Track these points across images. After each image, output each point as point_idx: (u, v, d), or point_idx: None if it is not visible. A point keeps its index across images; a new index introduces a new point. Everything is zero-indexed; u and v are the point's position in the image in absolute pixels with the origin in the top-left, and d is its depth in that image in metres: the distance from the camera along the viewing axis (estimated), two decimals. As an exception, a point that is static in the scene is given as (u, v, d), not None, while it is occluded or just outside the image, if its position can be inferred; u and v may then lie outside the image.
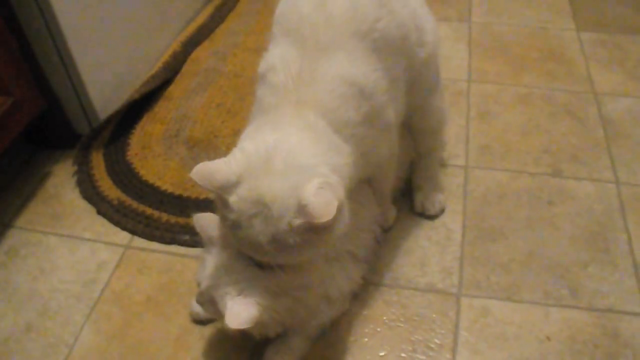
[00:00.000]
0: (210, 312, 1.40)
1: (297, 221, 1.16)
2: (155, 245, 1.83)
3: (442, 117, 1.83)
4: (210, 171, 1.20)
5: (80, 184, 2.02)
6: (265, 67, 1.38)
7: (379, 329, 1.61)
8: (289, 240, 1.18)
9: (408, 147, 1.83)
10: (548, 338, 1.58)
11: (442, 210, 1.91)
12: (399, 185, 1.89)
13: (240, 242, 1.25)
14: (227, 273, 1.32)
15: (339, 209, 1.17)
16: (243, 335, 1.44)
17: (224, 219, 1.25)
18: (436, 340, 1.58)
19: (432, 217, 1.90)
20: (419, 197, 1.90)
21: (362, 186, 1.61)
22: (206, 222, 1.40)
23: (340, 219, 1.23)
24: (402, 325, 1.61)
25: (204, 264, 1.37)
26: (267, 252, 1.22)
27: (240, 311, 1.27)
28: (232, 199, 1.19)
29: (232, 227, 1.23)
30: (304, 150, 1.24)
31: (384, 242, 1.78)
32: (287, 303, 1.36)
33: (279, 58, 1.35)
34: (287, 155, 1.21)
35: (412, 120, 1.72)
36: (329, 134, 1.30)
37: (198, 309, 1.61)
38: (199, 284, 1.36)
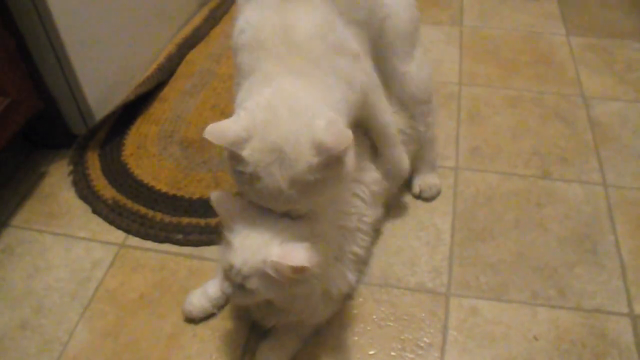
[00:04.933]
0: (242, 296, 1.34)
1: (315, 159, 1.20)
2: (149, 244, 1.84)
3: (425, 86, 1.79)
4: (222, 129, 1.22)
5: (75, 183, 2.03)
6: (236, 35, 1.43)
7: (368, 328, 1.62)
8: (309, 178, 1.21)
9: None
10: (536, 338, 1.60)
11: (439, 193, 1.97)
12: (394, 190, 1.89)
13: (260, 195, 1.27)
14: (259, 238, 1.29)
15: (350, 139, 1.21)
16: (236, 332, 1.46)
17: (240, 176, 1.26)
18: (425, 339, 1.59)
19: (428, 200, 1.95)
20: (417, 181, 1.95)
21: (369, 188, 1.64)
22: (225, 199, 1.37)
23: (351, 151, 1.28)
24: (391, 324, 1.63)
25: (229, 245, 1.32)
26: (288, 197, 1.24)
27: (296, 252, 1.25)
28: (246, 152, 1.22)
29: (250, 181, 1.25)
30: (300, 93, 1.28)
31: (375, 241, 1.79)
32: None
33: (244, 22, 1.41)
34: (288, 101, 1.25)
35: (393, 91, 1.73)
36: (315, 73, 1.34)
37: (190, 307, 1.63)
38: (230, 267, 1.30)
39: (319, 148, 1.19)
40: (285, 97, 1.26)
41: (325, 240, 1.40)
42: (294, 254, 1.25)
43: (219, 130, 1.22)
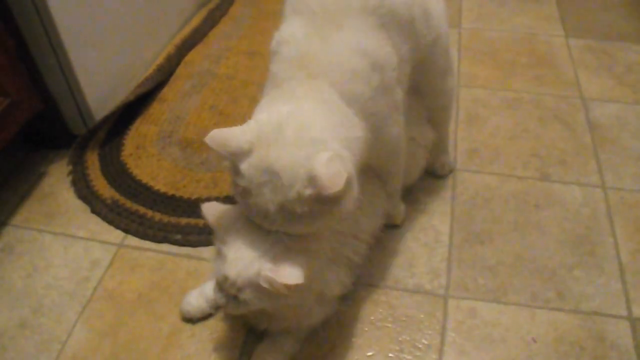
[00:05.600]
0: (236, 307, 1.34)
1: (307, 191, 1.17)
2: (147, 244, 1.85)
3: (452, 95, 1.89)
4: (225, 137, 1.21)
5: (75, 183, 2.03)
6: (277, 43, 1.40)
7: (366, 329, 1.62)
8: (297, 209, 1.19)
9: (421, 157, 1.87)
10: (534, 340, 1.60)
11: (451, 171, 2.04)
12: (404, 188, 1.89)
13: (250, 210, 1.26)
14: (253, 250, 1.29)
15: (348, 182, 1.18)
16: (233, 333, 1.46)
17: (235, 185, 1.26)
18: (423, 341, 1.60)
19: (441, 177, 2.01)
20: (430, 160, 1.96)
21: (367, 198, 1.63)
22: (216, 210, 1.37)
23: (349, 193, 1.24)
24: (390, 325, 1.63)
25: (222, 256, 1.32)
26: (275, 220, 1.24)
27: (289, 269, 1.25)
28: (243, 166, 1.21)
29: (242, 194, 1.24)
30: (316, 122, 1.25)
31: (373, 247, 1.77)
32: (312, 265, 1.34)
33: (290, 34, 1.38)
34: (299, 126, 1.22)
35: (426, 101, 1.78)
36: (341, 107, 1.32)
37: (188, 307, 1.63)
38: (224, 279, 1.30)
39: (313, 182, 1.16)
40: (298, 121, 1.23)
41: (320, 244, 1.40)
42: (286, 271, 1.25)
43: (222, 138, 1.21)
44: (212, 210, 1.36)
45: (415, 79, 1.61)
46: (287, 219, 1.22)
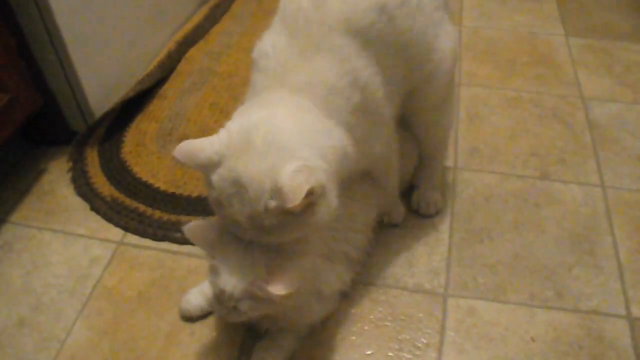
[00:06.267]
0: (237, 316, 1.35)
1: (272, 203, 1.16)
2: (147, 242, 1.85)
3: (447, 131, 1.82)
4: (194, 149, 1.20)
5: (74, 180, 2.03)
6: (258, 53, 1.39)
7: (366, 328, 1.62)
8: (265, 221, 1.18)
9: (413, 151, 1.84)
10: (533, 339, 1.60)
11: (437, 212, 1.92)
12: (402, 185, 1.89)
13: (225, 221, 1.26)
14: (244, 260, 1.29)
15: (320, 193, 1.18)
16: (233, 331, 1.46)
17: (209, 196, 1.26)
18: (423, 340, 1.60)
19: (426, 217, 1.91)
20: (415, 196, 1.92)
21: (360, 189, 1.63)
22: (199, 229, 1.36)
23: (322, 204, 1.22)
24: (389, 324, 1.63)
25: (215, 271, 1.31)
26: (247, 231, 1.23)
27: (281, 279, 1.25)
28: (214, 177, 1.20)
29: (215, 205, 1.24)
30: (286, 128, 1.23)
31: (372, 241, 1.77)
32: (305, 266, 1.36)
33: (270, 45, 1.36)
34: (268, 134, 1.20)
35: (417, 132, 1.73)
36: (317, 115, 1.29)
37: (188, 306, 1.63)
38: (221, 292, 1.30)
39: (276, 194, 1.15)
40: (268, 127, 1.21)
41: (311, 245, 1.41)
42: (278, 281, 1.25)
43: (190, 150, 1.21)
44: (194, 231, 1.36)
45: (406, 107, 1.59)
46: (258, 229, 1.21)
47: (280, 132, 1.21)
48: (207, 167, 1.21)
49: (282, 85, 1.32)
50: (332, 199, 1.25)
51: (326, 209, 1.24)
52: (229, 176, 1.19)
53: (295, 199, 1.12)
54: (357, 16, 1.33)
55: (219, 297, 1.32)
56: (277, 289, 1.23)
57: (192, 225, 1.36)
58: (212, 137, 1.23)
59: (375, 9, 1.34)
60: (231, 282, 1.28)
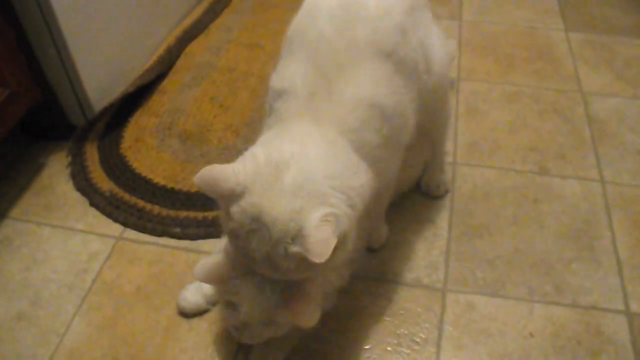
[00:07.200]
0: (254, 339, 1.38)
1: (294, 248, 1.12)
2: (146, 237, 1.85)
3: (449, 117, 1.86)
4: (216, 178, 1.15)
5: (73, 175, 2.03)
6: (281, 82, 1.35)
7: (364, 322, 1.62)
8: (283, 263, 1.15)
9: (418, 162, 1.88)
10: (531, 334, 1.60)
11: (446, 192, 1.97)
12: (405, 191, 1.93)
13: (237, 250, 1.22)
14: (262, 291, 1.28)
15: (339, 245, 1.13)
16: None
17: (225, 223, 1.21)
18: (421, 335, 1.60)
19: (436, 198, 1.95)
20: (425, 179, 1.95)
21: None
22: (209, 268, 1.33)
23: (341, 250, 1.19)
24: (387, 319, 1.63)
25: (233, 306, 1.31)
26: (260, 267, 1.20)
27: (302, 311, 1.27)
28: (234, 209, 1.15)
29: (231, 234, 1.20)
30: (319, 170, 1.19)
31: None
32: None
33: (296, 74, 1.32)
34: (299, 173, 1.16)
35: (422, 120, 1.71)
36: (348, 152, 1.27)
37: (184, 303, 1.63)
38: (244, 326, 1.31)
39: (300, 242, 1.11)
40: (299, 167, 1.17)
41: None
42: (300, 314, 1.27)
43: (212, 178, 1.16)
44: (205, 270, 1.34)
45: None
46: (272, 269, 1.18)
47: (311, 173, 1.18)
48: (229, 198, 1.16)
49: (311, 115, 1.28)
50: (349, 243, 1.23)
51: (343, 253, 1.22)
52: (250, 211, 1.14)
53: (322, 256, 1.08)
54: (384, 36, 1.32)
55: (241, 330, 1.34)
56: (302, 322, 1.27)
57: (202, 265, 1.34)
58: (237, 166, 1.18)
59: (396, 29, 1.34)
60: (254, 315, 1.29)
